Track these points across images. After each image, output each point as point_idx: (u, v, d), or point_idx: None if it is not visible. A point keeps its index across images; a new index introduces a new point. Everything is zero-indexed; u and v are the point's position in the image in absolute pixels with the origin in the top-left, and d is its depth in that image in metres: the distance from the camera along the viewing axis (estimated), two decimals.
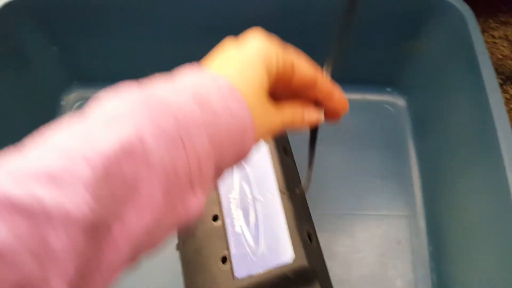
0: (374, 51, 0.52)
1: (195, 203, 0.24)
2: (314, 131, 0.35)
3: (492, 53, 0.67)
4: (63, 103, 0.57)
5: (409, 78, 0.54)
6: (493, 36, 0.69)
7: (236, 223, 0.40)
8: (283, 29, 0.49)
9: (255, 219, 0.40)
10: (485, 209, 0.40)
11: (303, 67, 0.29)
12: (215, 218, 0.41)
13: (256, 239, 0.39)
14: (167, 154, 0.22)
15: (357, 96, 0.53)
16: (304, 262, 0.37)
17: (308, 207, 0.43)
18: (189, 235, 0.42)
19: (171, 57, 0.55)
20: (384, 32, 0.51)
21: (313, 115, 0.32)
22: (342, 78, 0.54)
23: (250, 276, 0.37)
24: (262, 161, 0.42)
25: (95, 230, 0.19)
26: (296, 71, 0.29)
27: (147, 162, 0.21)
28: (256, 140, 0.27)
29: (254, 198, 0.41)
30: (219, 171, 0.26)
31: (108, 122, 0.21)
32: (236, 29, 0.51)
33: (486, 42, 0.63)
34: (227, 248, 0.39)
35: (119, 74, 0.57)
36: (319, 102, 0.31)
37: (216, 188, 0.42)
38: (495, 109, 0.40)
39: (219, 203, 0.41)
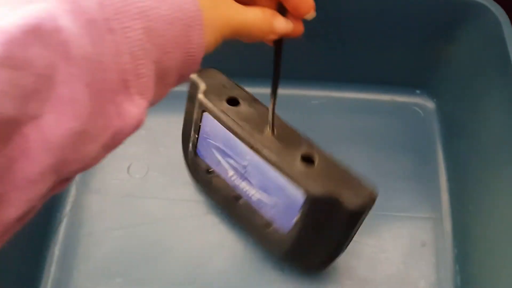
0: (405, 52, 0.53)
1: (134, 112, 0.21)
2: (279, 47, 0.32)
3: None
4: None
5: (439, 80, 0.54)
6: None
7: (250, 194, 0.42)
8: None
9: (258, 183, 0.41)
10: None
11: None
12: (237, 198, 0.44)
13: (271, 198, 0.40)
14: (89, 41, 0.18)
15: (386, 97, 0.53)
16: (315, 190, 0.36)
17: (290, 130, 0.40)
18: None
19: None
20: (416, 33, 0.51)
21: (282, 23, 0.29)
22: (372, 78, 0.55)
23: (293, 227, 0.39)
24: (216, 125, 0.41)
25: (3, 126, 0.16)
26: None
27: (65, 50, 0.17)
28: (207, 36, 0.23)
29: (242, 167, 0.41)
30: (162, 75, 0.22)
31: (19, 1, 0.17)
32: None
33: None
34: (262, 217, 0.42)
35: None
36: (281, 1, 0.28)
37: (218, 174, 0.44)
38: None
39: (229, 185, 0.44)
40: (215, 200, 0.49)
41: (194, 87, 0.42)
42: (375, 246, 0.47)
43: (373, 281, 0.46)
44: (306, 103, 0.55)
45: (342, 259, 0.47)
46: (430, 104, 0.56)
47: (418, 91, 0.57)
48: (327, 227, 0.39)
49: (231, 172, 0.43)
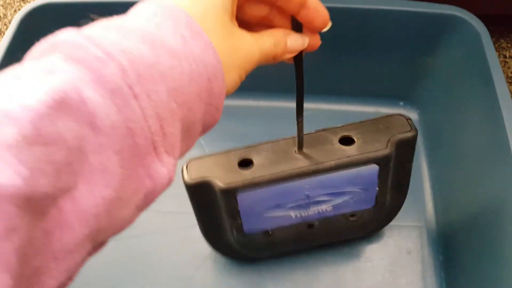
0: (388, 65, 0.54)
1: (163, 172, 0.20)
2: (299, 62, 0.30)
3: (503, 72, 0.68)
4: None
5: (422, 92, 0.56)
6: (505, 56, 0.71)
7: (323, 210, 0.43)
8: None
9: (327, 196, 0.41)
10: (496, 222, 0.41)
11: None
12: (310, 225, 0.44)
13: (345, 195, 0.42)
14: (116, 110, 0.18)
15: (370, 109, 0.54)
16: (380, 152, 0.37)
17: (308, 135, 0.39)
18: None
19: None
20: (399, 47, 0.52)
21: (296, 40, 0.28)
22: (356, 91, 0.56)
23: (377, 197, 0.42)
24: (255, 193, 0.38)
25: (35, 206, 0.16)
26: None
27: (92, 121, 0.17)
28: (227, 84, 0.23)
29: (304, 198, 0.41)
30: (187, 130, 0.22)
31: (36, 75, 0.17)
32: None
33: None
34: (343, 215, 0.44)
35: None
36: (295, 16, 0.27)
37: (278, 227, 0.43)
38: (508, 124, 0.41)
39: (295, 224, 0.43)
40: (282, 248, 0.46)
41: (202, 187, 0.38)
42: (361, 256, 0.48)
43: None
44: (292, 115, 0.55)
45: (328, 269, 0.47)
46: (413, 115, 0.57)
47: (401, 103, 0.58)
48: (398, 170, 0.41)
49: (293, 214, 0.42)
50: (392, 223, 0.49)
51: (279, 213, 0.41)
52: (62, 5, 0.49)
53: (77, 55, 0.18)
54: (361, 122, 0.39)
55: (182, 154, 0.23)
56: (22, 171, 0.15)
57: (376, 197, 0.42)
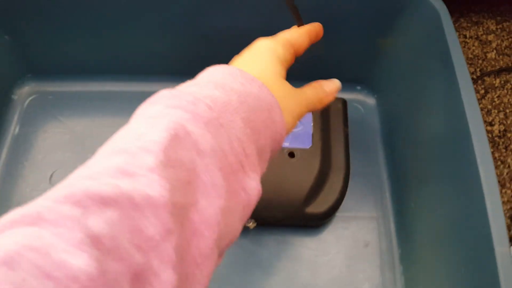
0: (343, 47, 0.51)
1: (253, 185, 0.25)
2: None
3: (463, 53, 0.67)
4: (14, 97, 0.53)
5: (379, 76, 0.53)
6: (465, 36, 0.69)
7: None
8: None
9: None
10: (454, 212, 0.39)
11: (300, 41, 0.34)
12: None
13: None
14: (211, 138, 0.23)
15: None
16: None
17: None
18: None
19: (129, 49, 0.52)
20: (354, 28, 0.49)
21: (332, 84, 0.35)
22: (311, 74, 0.53)
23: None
24: None
25: (178, 212, 0.20)
26: (297, 47, 0.34)
27: (197, 148, 0.22)
28: (286, 122, 0.28)
29: None
30: (260, 152, 0.27)
31: (150, 121, 0.23)
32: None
33: None
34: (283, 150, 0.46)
35: (74, 68, 0.54)
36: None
37: None
38: (468, 108, 0.38)
39: None
40: None
41: None
42: (317, 249, 0.45)
43: (315, 286, 0.44)
44: None
45: (282, 265, 0.45)
46: (370, 100, 0.55)
47: (358, 87, 0.55)
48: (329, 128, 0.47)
49: None
50: (348, 213, 0.47)
51: None
52: None
53: (175, 103, 0.24)
54: None
55: (259, 175, 0.27)
56: (166, 186, 0.20)
57: (312, 136, 0.46)
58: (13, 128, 0.51)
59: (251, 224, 0.44)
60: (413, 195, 0.45)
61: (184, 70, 0.53)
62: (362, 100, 0.55)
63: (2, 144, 0.50)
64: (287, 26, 0.47)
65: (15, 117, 0.52)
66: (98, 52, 0.52)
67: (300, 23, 0.37)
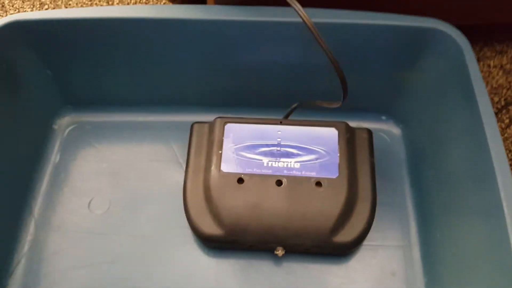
0: (369, 79, 0.52)
1: None
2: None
3: (487, 82, 0.68)
4: (55, 127, 0.56)
5: (404, 106, 0.54)
6: (489, 65, 0.70)
7: (291, 165, 0.48)
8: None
9: (295, 148, 0.49)
10: (480, 242, 0.40)
11: None
12: (279, 183, 0.47)
13: (311, 154, 0.49)
14: None
15: (352, 124, 0.52)
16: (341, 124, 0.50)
17: None
18: None
19: (162, 82, 0.55)
20: (380, 61, 0.51)
21: None
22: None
23: (339, 164, 0.48)
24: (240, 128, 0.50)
25: None
26: None
27: None
28: None
29: (276, 144, 0.49)
30: None
31: None
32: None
33: (481, 71, 0.64)
34: (310, 179, 0.47)
35: (111, 99, 0.57)
36: None
37: (251, 175, 0.47)
38: (490, 139, 0.39)
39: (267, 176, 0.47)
40: (250, 204, 0.46)
41: (201, 128, 0.51)
42: (344, 277, 0.46)
43: None
44: None
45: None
46: (396, 130, 0.56)
47: (383, 117, 0.57)
48: (355, 158, 0.49)
49: (266, 160, 0.48)
50: (375, 242, 0.48)
51: (253, 155, 0.48)
52: (30, 23, 0.47)
53: None
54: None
55: None
56: None
57: (339, 166, 0.47)
58: (54, 156, 0.54)
59: (280, 252, 0.45)
60: (438, 225, 0.46)
61: (214, 102, 0.56)
62: (388, 130, 0.56)
63: (44, 172, 0.53)
64: (320, 61, 0.49)
65: (56, 146, 0.55)
66: (133, 85, 0.55)
67: (336, 66, 0.39)
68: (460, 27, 0.46)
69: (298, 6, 0.40)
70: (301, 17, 0.40)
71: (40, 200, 0.51)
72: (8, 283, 0.47)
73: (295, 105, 0.51)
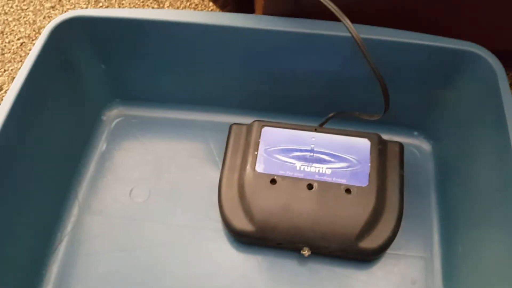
0: (406, 95, 0.54)
1: None
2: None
3: None
4: (104, 118, 0.60)
5: (436, 124, 0.56)
6: None
7: (323, 171, 0.50)
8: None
9: (327, 154, 0.52)
10: (501, 259, 0.41)
11: None
12: (310, 186, 0.49)
13: (342, 162, 0.51)
14: None
15: (384, 137, 0.54)
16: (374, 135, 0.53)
17: None
18: None
19: (205, 83, 0.58)
20: (415, 79, 0.53)
21: None
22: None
23: (370, 174, 0.50)
24: (276, 132, 0.54)
25: None
26: None
27: None
28: None
29: (310, 150, 0.51)
30: None
31: None
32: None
33: None
34: (340, 186, 0.49)
35: (157, 97, 0.60)
36: None
37: (284, 177, 0.50)
38: None
39: (298, 179, 0.49)
40: (281, 204, 0.49)
41: (239, 129, 0.55)
42: (367, 282, 0.48)
43: None
44: None
45: None
46: (426, 146, 0.58)
47: (416, 133, 0.59)
48: (386, 171, 0.51)
49: (299, 164, 0.50)
50: (398, 252, 0.50)
51: (287, 158, 0.50)
52: (91, 19, 0.51)
53: None
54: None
55: None
56: None
57: (369, 176, 0.49)
58: (101, 145, 0.58)
59: (306, 252, 0.47)
60: (461, 240, 0.48)
61: (253, 105, 0.59)
62: (418, 146, 0.58)
63: (91, 159, 0.57)
64: (358, 74, 0.52)
65: (103, 136, 0.59)
66: (178, 85, 0.58)
67: (381, 81, 0.42)
68: (495, 52, 0.48)
69: (348, 23, 0.42)
70: (350, 32, 0.43)
71: (85, 185, 0.55)
72: (50, 259, 0.50)
73: (332, 114, 0.54)
